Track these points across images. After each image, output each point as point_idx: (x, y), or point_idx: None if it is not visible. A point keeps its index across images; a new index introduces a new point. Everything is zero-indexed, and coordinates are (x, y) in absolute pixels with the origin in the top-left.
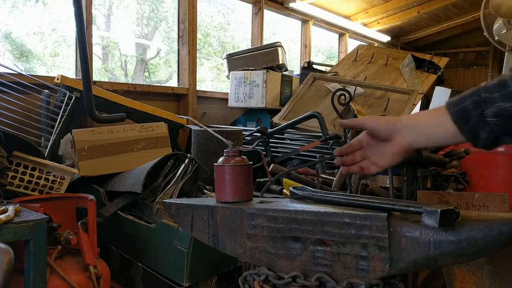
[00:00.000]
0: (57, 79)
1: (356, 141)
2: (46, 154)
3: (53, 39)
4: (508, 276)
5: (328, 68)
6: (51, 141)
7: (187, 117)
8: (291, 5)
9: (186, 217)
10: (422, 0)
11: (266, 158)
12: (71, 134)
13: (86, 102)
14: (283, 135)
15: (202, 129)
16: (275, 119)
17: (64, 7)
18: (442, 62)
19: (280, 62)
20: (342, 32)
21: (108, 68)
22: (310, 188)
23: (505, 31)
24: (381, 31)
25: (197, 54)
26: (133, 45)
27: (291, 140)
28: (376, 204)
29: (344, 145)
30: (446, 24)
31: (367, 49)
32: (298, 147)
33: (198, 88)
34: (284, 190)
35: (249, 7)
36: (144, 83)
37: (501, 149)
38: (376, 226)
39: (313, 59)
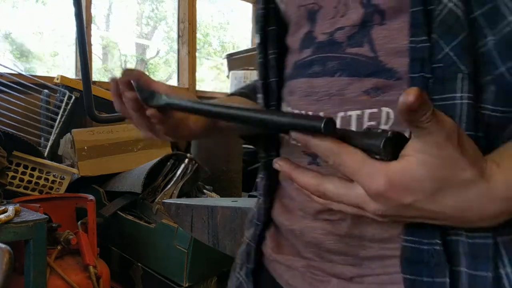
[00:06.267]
0: (57, 79)
1: None
2: (46, 154)
3: (52, 39)
4: None
5: None
6: (51, 141)
7: None
8: None
9: (186, 217)
10: None
11: None
12: (71, 134)
13: (86, 102)
14: None
15: None
16: None
17: (64, 7)
18: None
19: None
20: None
21: (108, 68)
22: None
23: None
24: None
25: (197, 54)
26: (133, 45)
27: None
28: None
29: None
30: None
31: None
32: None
33: (198, 88)
34: None
35: (249, 7)
36: None
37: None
38: None
39: None
